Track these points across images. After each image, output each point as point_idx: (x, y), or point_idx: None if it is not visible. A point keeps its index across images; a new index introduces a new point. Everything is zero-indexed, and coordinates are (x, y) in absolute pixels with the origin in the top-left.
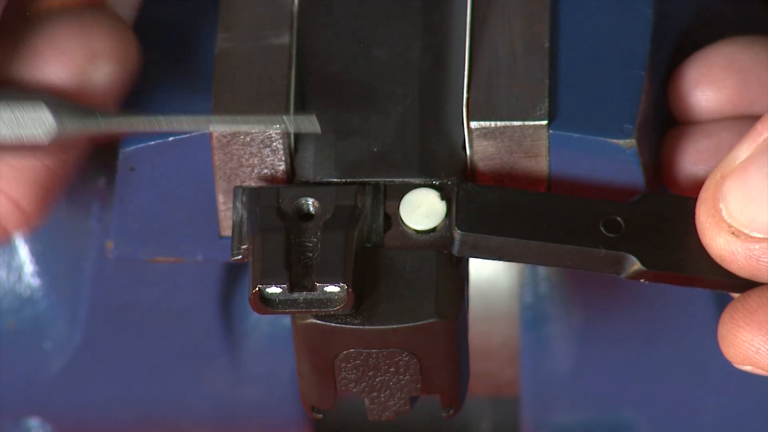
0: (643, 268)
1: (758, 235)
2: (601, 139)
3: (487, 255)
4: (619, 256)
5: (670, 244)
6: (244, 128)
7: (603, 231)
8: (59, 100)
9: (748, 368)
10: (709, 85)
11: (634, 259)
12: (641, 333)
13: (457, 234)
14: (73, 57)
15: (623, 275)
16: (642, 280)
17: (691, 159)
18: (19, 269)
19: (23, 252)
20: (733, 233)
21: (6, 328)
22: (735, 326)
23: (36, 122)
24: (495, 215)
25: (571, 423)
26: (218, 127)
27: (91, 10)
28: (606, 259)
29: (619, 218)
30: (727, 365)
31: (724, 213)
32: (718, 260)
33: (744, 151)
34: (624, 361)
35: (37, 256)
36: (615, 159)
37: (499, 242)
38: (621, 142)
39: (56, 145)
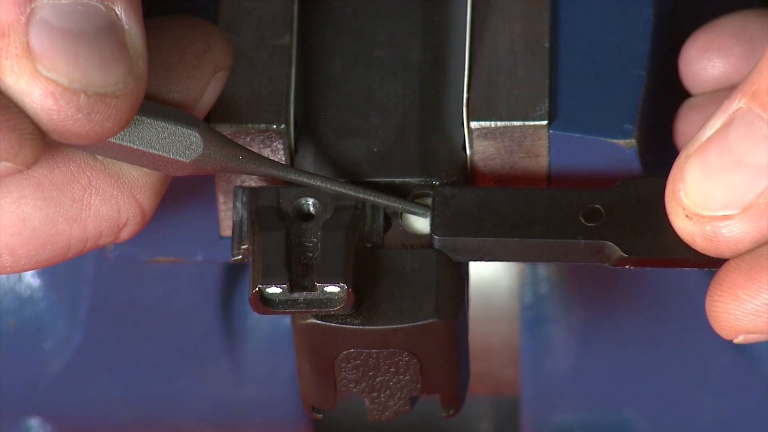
0: (625, 255)
1: (708, 213)
2: (601, 139)
3: (469, 257)
4: (599, 245)
5: (651, 228)
6: (378, 203)
7: (582, 221)
8: (210, 129)
9: (741, 339)
10: (716, 52)
11: (614, 246)
12: (641, 333)
13: (435, 240)
14: (204, 71)
15: (609, 264)
16: (627, 267)
17: (689, 133)
18: None
19: None
20: (687, 216)
21: (6, 328)
22: (711, 302)
23: (186, 146)
24: (472, 216)
25: (571, 423)
26: (350, 195)
27: (192, 17)
28: (586, 250)
29: (599, 206)
30: (727, 365)
31: (681, 194)
32: (686, 242)
33: (710, 129)
34: (624, 361)
35: None
36: (615, 159)
37: (478, 243)
38: (621, 142)
39: (193, 168)
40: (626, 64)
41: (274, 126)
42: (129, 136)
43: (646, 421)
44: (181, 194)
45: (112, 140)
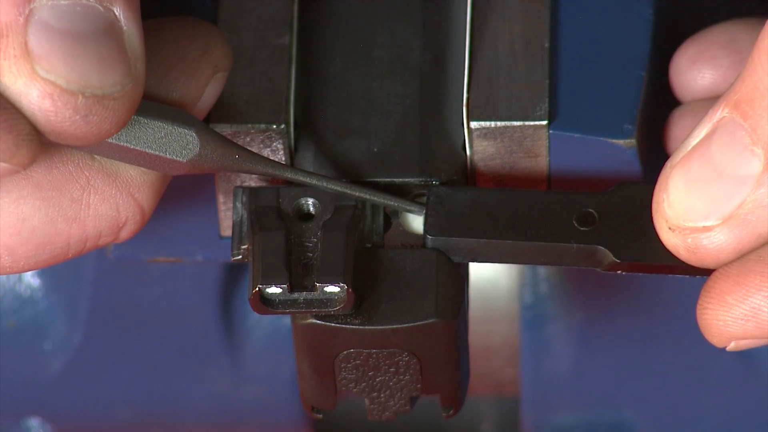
0: (617, 260)
1: (690, 225)
2: (601, 139)
3: (461, 257)
4: (591, 249)
5: (643, 234)
6: (373, 201)
7: (576, 225)
8: (207, 128)
9: (732, 346)
10: (706, 63)
11: (607, 251)
12: (641, 333)
13: (428, 240)
14: (203, 72)
15: (601, 268)
16: (619, 272)
17: (682, 138)
18: None
19: None
20: (669, 228)
21: (6, 328)
22: (701, 309)
23: (182, 146)
24: (466, 217)
25: (571, 423)
26: (346, 192)
27: (193, 18)
28: (579, 254)
29: (593, 210)
30: (727, 365)
31: (664, 205)
32: (672, 253)
33: (694, 138)
34: (624, 361)
35: None
36: (615, 159)
37: (471, 244)
38: (621, 142)
39: (189, 168)
40: (626, 64)
41: (274, 126)
42: (126, 136)
43: (646, 421)
44: (181, 194)
45: (109, 140)
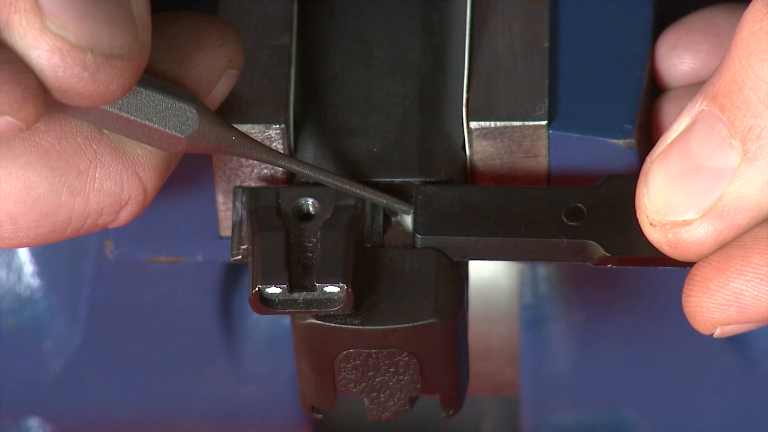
0: (607, 254)
1: (671, 219)
2: (601, 139)
3: (451, 256)
4: (581, 244)
5: (633, 227)
6: (362, 196)
7: (565, 220)
8: (206, 108)
9: (718, 332)
10: (685, 49)
11: (597, 246)
12: (641, 333)
13: (417, 239)
14: (217, 64)
15: (591, 263)
16: (609, 266)
17: (666, 126)
18: (19, 269)
19: (23, 252)
20: (651, 224)
21: (6, 328)
22: (686, 297)
23: (182, 121)
24: (455, 215)
25: (571, 423)
26: (337, 185)
27: (209, 14)
28: (569, 249)
29: (581, 205)
30: (727, 365)
31: (645, 200)
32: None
33: (673, 132)
34: (624, 361)
35: (37, 256)
36: (615, 159)
37: (460, 242)
38: (621, 142)
39: (187, 145)
40: (626, 64)
41: (274, 126)
42: (127, 105)
43: (646, 421)
44: (180, 194)
45: (111, 109)
